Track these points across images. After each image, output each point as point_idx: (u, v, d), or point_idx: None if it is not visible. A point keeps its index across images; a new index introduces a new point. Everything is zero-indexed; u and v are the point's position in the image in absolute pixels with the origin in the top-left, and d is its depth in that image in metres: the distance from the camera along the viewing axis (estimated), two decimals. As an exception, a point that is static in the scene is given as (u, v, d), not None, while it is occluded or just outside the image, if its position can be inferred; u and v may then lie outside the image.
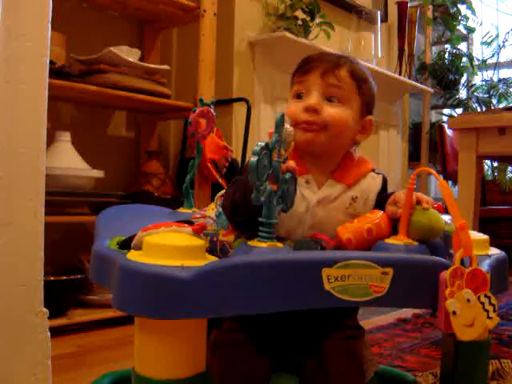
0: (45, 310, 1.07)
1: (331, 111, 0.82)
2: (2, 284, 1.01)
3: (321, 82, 0.83)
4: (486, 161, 3.44)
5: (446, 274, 0.63)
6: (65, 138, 1.93)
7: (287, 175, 0.70)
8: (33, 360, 1.04)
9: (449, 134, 2.88)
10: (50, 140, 1.85)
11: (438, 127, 2.91)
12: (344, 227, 0.76)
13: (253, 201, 0.67)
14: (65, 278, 1.80)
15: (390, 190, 0.87)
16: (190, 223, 0.78)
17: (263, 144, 0.67)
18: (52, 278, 1.74)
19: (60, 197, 1.81)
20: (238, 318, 0.84)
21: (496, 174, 3.68)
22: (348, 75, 0.84)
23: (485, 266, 0.69)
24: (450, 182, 2.87)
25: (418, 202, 0.76)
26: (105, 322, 1.81)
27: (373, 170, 0.88)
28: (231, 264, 0.59)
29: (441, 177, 0.71)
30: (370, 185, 0.85)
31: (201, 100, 1.19)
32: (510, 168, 3.63)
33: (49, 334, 1.07)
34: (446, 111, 4.18)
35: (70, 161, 1.91)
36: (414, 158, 3.77)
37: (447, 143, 2.85)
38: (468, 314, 0.62)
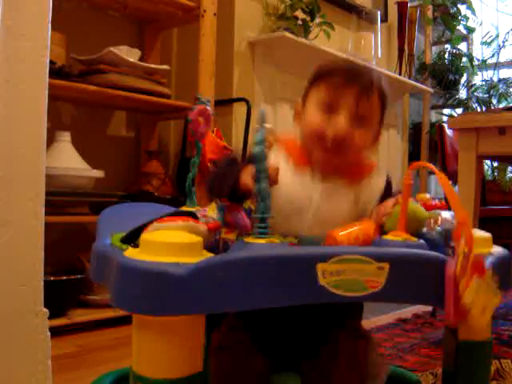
0: (45, 310, 1.07)
1: (357, 138, 0.82)
2: (2, 284, 1.01)
3: (353, 104, 0.81)
4: (486, 161, 3.44)
5: (455, 267, 0.63)
6: (65, 138, 1.93)
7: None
8: (33, 360, 1.04)
9: (449, 134, 2.87)
10: (50, 140, 1.85)
11: (438, 127, 2.89)
12: (335, 231, 0.77)
13: (256, 190, 0.68)
14: (65, 278, 1.80)
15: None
16: (197, 217, 0.78)
17: (261, 136, 0.68)
18: (52, 278, 1.74)
19: (60, 197, 1.81)
20: (241, 316, 0.84)
21: (496, 173, 3.68)
22: (378, 99, 0.84)
23: (487, 264, 0.69)
24: (450, 182, 2.86)
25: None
26: (105, 322, 1.81)
27: (378, 170, 0.90)
28: (226, 260, 0.60)
29: (439, 171, 0.72)
30: (373, 187, 0.87)
31: (198, 98, 1.19)
32: (510, 168, 3.63)
33: (49, 334, 1.07)
34: (446, 111, 4.17)
35: (70, 161, 1.91)
36: (413, 157, 3.77)
37: (447, 143, 2.84)
38: (481, 301, 0.62)
